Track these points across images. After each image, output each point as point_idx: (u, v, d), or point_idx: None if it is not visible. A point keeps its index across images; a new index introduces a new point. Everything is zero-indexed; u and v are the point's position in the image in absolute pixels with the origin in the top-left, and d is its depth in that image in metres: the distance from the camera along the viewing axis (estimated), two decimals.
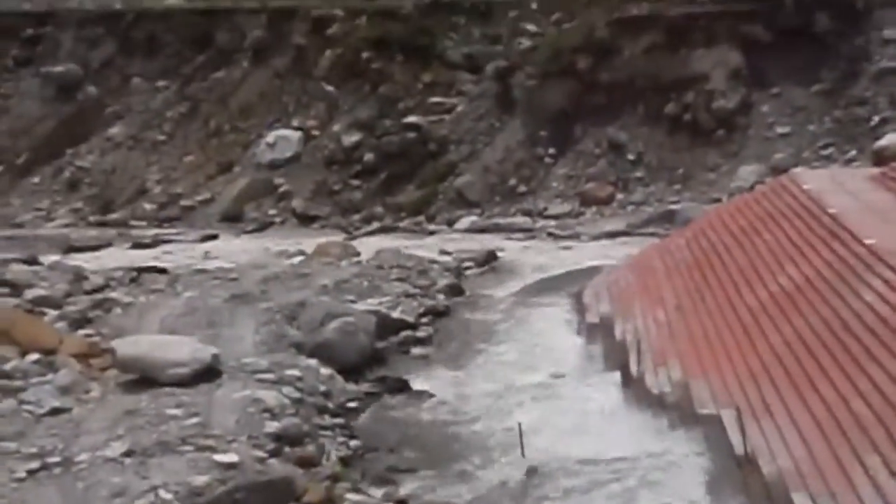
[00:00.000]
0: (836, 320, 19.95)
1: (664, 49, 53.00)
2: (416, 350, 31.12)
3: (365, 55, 59.09)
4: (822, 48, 51.50)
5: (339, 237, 49.00)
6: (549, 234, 47.80)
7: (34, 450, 20.04)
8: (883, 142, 45.49)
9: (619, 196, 49.97)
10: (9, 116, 67.56)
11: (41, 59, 69.74)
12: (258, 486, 18.81)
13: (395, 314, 32.74)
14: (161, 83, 65.35)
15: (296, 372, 25.57)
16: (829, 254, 22.87)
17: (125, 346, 25.28)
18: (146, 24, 68.59)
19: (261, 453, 20.31)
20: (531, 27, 58.92)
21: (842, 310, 20.14)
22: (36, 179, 63.08)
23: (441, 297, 36.17)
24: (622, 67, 53.04)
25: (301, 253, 44.41)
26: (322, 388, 25.40)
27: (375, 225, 51.91)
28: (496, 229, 49.08)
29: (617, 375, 24.49)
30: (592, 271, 36.24)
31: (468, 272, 41.17)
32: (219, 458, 19.53)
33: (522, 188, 51.50)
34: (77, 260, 45.00)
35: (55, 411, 22.32)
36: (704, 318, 24.52)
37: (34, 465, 19.38)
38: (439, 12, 61.18)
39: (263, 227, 54.13)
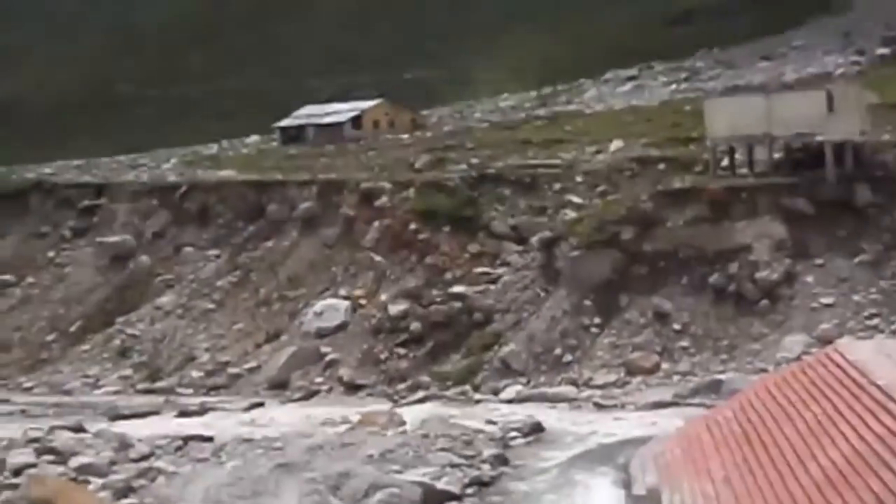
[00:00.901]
0: (889, 496, 19.54)
1: (707, 220, 53.42)
2: None
3: (412, 226, 60.02)
4: (864, 220, 51.76)
5: (385, 406, 48.96)
6: (595, 404, 47.46)
7: None
8: None
9: (665, 366, 49.64)
10: (63, 285, 68.90)
11: (97, 229, 71.54)
12: None
13: (440, 485, 32.45)
14: (212, 252, 66.58)
15: None
16: (878, 426, 22.53)
17: None
18: (199, 195, 70.37)
19: None
20: (576, 199, 59.79)
21: (893, 484, 19.74)
22: (86, 347, 63.75)
23: (486, 467, 35.88)
24: (666, 238, 53.37)
25: (346, 421, 44.34)
26: None
27: (421, 394, 51.81)
28: (542, 399, 48.80)
29: None
30: (638, 442, 35.87)
31: (514, 442, 40.90)
32: None
33: (568, 357, 51.34)
34: (123, 427, 45.16)
35: None
36: (754, 492, 24.07)
37: None
38: (485, 184, 62.35)
39: (310, 395, 54.11)
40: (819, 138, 54.07)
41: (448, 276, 57.23)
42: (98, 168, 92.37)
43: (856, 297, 49.70)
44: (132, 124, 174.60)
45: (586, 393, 48.75)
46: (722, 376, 46.81)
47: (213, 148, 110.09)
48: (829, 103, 54.69)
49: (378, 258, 59.95)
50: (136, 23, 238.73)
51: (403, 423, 42.27)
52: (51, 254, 71.47)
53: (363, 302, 58.30)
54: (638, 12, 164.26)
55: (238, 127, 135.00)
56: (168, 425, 47.34)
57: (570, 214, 57.96)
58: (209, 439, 41.08)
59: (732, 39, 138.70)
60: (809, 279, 50.78)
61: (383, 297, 57.70)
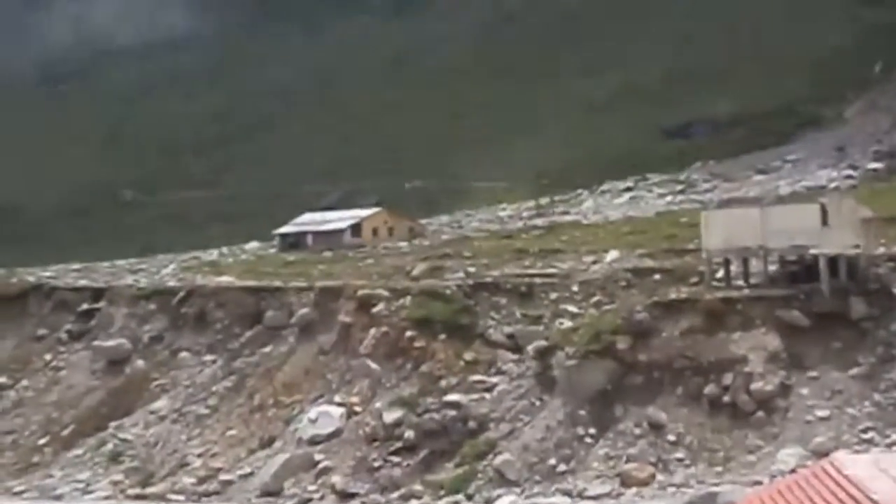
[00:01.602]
0: None
1: (702, 332, 53.46)
2: None
3: (408, 333, 59.98)
4: (859, 333, 51.86)
5: None
6: None
7: None
8: None
9: (660, 477, 49.18)
10: (58, 388, 68.56)
11: (94, 333, 71.47)
12: None
13: None
14: (208, 357, 66.42)
15: None
16: None
17: None
18: (197, 300, 70.50)
19: None
20: (572, 308, 59.91)
21: None
22: (79, 451, 63.15)
23: None
24: (661, 349, 53.35)
25: None
26: None
27: (414, 503, 51.17)
28: None
29: None
30: None
31: None
32: None
33: (562, 467, 50.87)
34: None
35: None
36: None
37: None
38: (482, 292, 62.51)
39: (302, 503, 53.46)
40: (814, 251, 54.42)
41: (443, 383, 57.06)
42: (97, 272, 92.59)
43: (851, 410, 49.51)
44: (133, 229, 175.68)
45: None
46: (717, 489, 46.38)
47: (213, 253, 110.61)
48: (824, 217, 55.17)
49: (374, 365, 59.80)
50: (137, 129, 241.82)
51: None
52: (47, 357, 71.23)
53: (358, 409, 57.98)
54: (634, 125, 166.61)
55: (238, 233, 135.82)
56: None
57: (566, 324, 58.06)
58: None
59: (727, 152, 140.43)
60: (804, 391, 50.65)
61: (378, 404, 57.41)
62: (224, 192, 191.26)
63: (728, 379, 51.34)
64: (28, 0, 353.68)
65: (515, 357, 57.71)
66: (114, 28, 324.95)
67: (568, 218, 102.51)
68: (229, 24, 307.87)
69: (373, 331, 61.44)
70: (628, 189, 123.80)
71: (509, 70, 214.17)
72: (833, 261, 54.04)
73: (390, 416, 55.92)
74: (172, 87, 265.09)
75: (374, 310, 62.50)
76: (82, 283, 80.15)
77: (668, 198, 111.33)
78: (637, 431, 51.35)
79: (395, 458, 54.40)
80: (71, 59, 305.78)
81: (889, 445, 46.79)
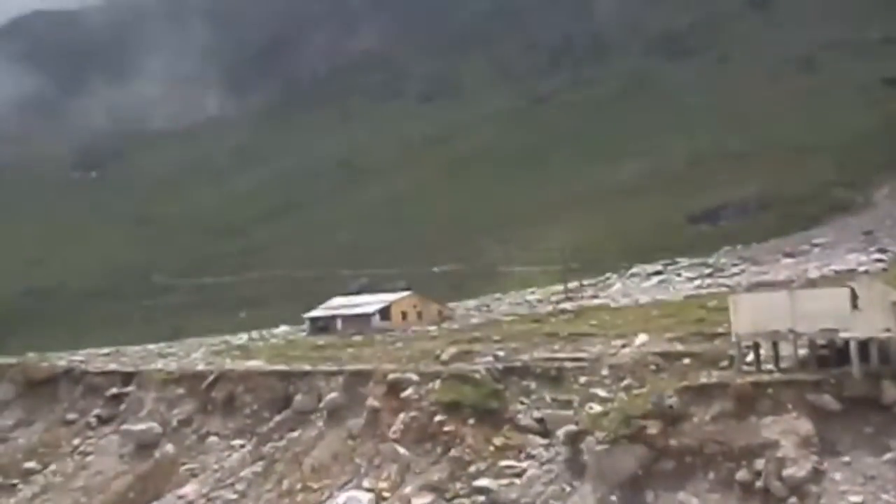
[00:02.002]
0: None
1: (733, 416, 52.83)
2: None
3: (437, 418, 59.66)
4: (891, 418, 51.12)
5: None
6: None
7: None
8: None
9: None
10: (86, 472, 68.48)
11: (123, 417, 71.57)
12: None
13: None
14: (237, 442, 66.23)
15: None
16: None
17: None
18: (226, 384, 70.51)
19: None
20: (601, 392, 59.51)
21: None
22: None
23: None
24: (692, 434, 52.73)
25: None
26: None
27: None
28: None
29: None
30: None
31: None
32: None
33: None
34: None
35: None
36: None
37: None
38: (511, 377, 62.23)
39: None
40: (844, 335, 53.96)
41: (473, 468, 56.55)
42: (127, 356, 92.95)
43: (885, 496, 48.64)
44: (163, 313, 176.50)
45: None
46: None
47: (243, 337, 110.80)
48: (854, 300, 54.75)
49: (402, 450, 59.39)
50: (169, 213, 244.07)
51: None
52: (76, 441, 71.29)
53: (387, 494, 57.49)
54: (662, 209, 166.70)
55: (268, 317, 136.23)
56: None
57: (596, 408, 57.57)
58: None
59: (755, 236, 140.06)
60: (837, 476, 49.85)
61: (407, 489, 56.94)
62: (254, 276, 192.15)
63: (760, 464, 50.61)
64: (64, 85, 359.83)
65: (545, 442, 57.20)
66: (148, 113, 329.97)
67: (597, 301, 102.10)
68: (262, 108, 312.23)
69: (402, 415, 61.15)
70: (657, 273, 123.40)
71: (538, 155, 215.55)
72: (864, 345, 53.54)
73: (419, 502, 55.44)
74: (204, 170, 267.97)
75: (404, 394, 62.29)
76: (112, 367, 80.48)
77: (697, 281, 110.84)
78: None
79: None
80: (105, 143, 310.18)
81: None
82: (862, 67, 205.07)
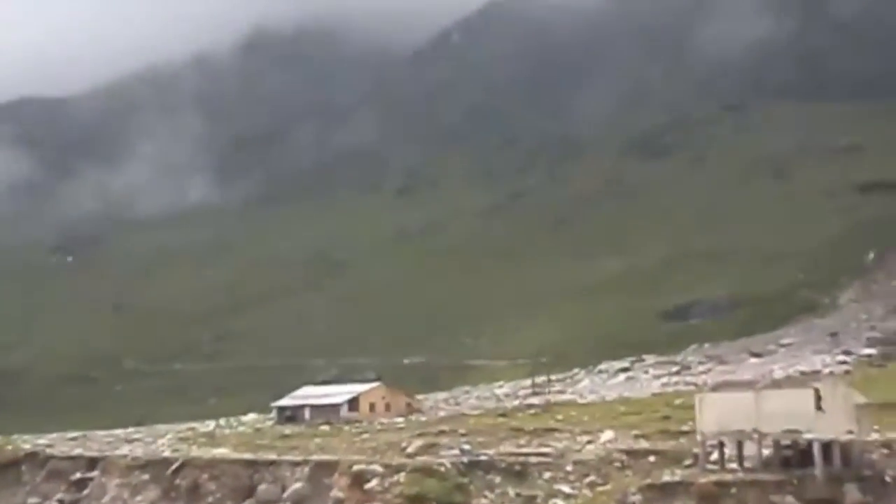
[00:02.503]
0: None
1: None
2: None
3: None
4: None
5: None
6: None
7: None
8: None
9: None
10: None
11: (86, 502, 70.17)
12: None
13: None
14: None
15: None
16: None
17: None
18: (191, 471, 69.30)
19: None
20: (566, 488, 58.86)
21: None
22: None
23: None
24: None
25: None
26: None
27: None
28: None
29: None
30: None
31: None
32: None
33: None
34: None
35: None
36: None
37: None
38: (476, 470, 61.49)
39: None
40: (807, 436, 53.80)
41: None
42: (94, 441, 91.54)
43: None
44: (133, 398, 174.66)
45: None
46: None
47: (210, 425, 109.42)
48: (818, 402, 54.72)
49: None
50: (145, 299, 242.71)
51: None
52: None
53: None
54: (631, 307, 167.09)
55: (237, 404, 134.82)
56: None
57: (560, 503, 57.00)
58: None
59: (724, 335, 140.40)
60: None
61: None
62: (225, 364, 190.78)
63: None
64: (50, 170, 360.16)
65: None
66: (130, 199, 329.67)
67: (564, 397, 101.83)
68: (243, 198, 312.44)
69: None
70: (624, 370, 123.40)
71: (510, 251, 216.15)
72: (827, 446, 53.40)
73: None
74: (183, 257, 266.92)
75: (368, 485, 61.39)
76: (77, 451, 79.11)
77: (664, 379, 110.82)
78: None
79: None
80: (85, 228, 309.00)
81: None
82: (830, 173, 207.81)
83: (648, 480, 55.17)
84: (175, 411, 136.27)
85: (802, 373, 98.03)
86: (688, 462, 58.94)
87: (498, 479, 60.80)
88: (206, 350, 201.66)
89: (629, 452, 62.15)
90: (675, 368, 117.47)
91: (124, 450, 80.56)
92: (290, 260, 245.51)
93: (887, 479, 51.73)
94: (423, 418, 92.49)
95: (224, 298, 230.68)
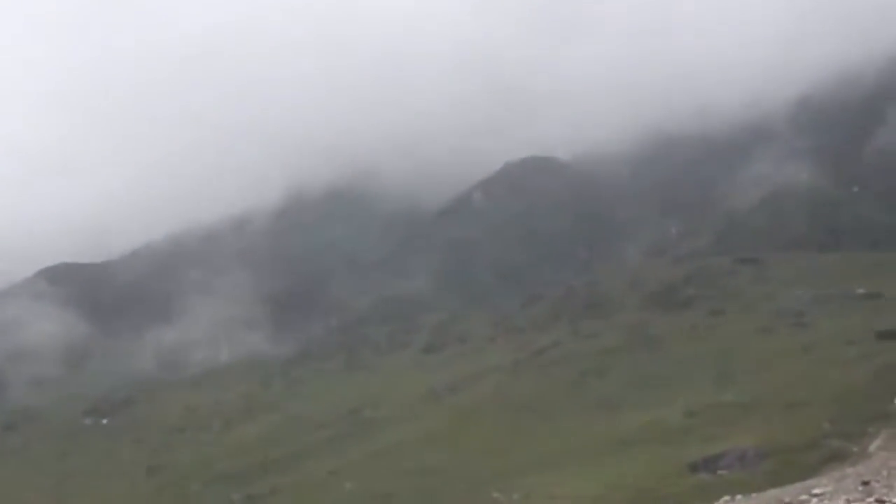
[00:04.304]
0: None
1: None
2: None
3: None
4: None
5: None
6: None
7: None
8: None
9: None
10: None
11: None
12: None
13: None
14: None
15: None
16: None
17: None
18: None
19: None
20: None
21: None
22: None
23: None
24: None
25: None
26: None
27: None
28: None
29: None
30: None
31: None
32: None
33: None
34: None
35: None
36: None
37: None
38: None
39: None
40: None
41: None
42: None
43: None
44: None
45: None
46: None
47: None
48: None
49: None
50: (179, 462, 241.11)
51: None
52: None
53: None
54: (662, 459, 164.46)
55: None
56: None
57: None
58: None
59: (754, 486, 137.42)
60: None
61: None
62: None
63: None
64: (96, 328, 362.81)
65: None
66: (168, 359, 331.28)
67: None
68: (273, 357, 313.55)
69: None
70: None
71: (537, 406, 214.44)
72: None
73: None
74: (214, 417, 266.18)
75: None
76: None
77: None
78: None
79: None
80: (119, 390, 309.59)
81: None
82: (850, 322, 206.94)
83: None
84: None
85: None
86: None
87: None
88: None
89: None
90: None
91: None
92: (321, 419, 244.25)
93: None
94: None
95: (254, 458, 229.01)
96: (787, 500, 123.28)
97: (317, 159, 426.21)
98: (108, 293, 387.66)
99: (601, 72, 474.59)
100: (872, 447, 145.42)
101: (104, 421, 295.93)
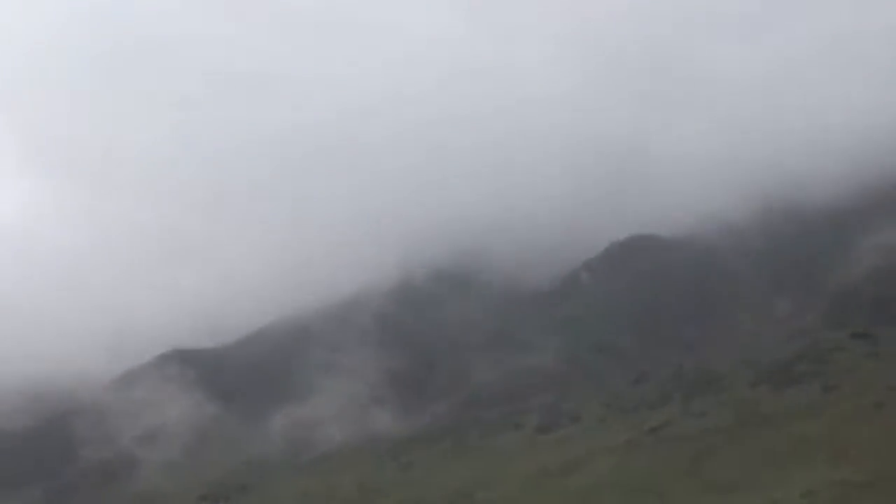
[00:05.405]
0: None
1: None
2: None
3: None
4: None
5: None
6: None
7: None
8: None
9: None
10: None
11: None
12: None
13: None
14: None
15: None
16: None
17: None
18: None
19: None
20: None
21: None
22: None
23: None
24: None
25: None
26: None
27: None
28: None
29: None
30: None
31: None
32: None
33: None
34: None
35: None
36: None
37: None
38: None
39: None
40: None
41: None
42: None
43: None
44: None
45: None
46: None
47: None
48: None
49: None
50: None
51: None
52: None
53: None
54: None
55: None
56: None
57: None
58: None
59: None
60: None
61: None
62: None
63: None
64: (233, 408, 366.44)
65: None
66: (283, 442, 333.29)
67: None
68: (383, 441, 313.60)
69: None
70: None
71: (651, 486, 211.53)
72: None
73: None
74: (329, 501, 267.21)
75: None
76: None
77: None
78: None
79: None
80: (238, 473, 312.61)
81: None
82: None
83: None
84: None
85: None
86: None
87: None
88: None
89: None
90: None
91: None
92: (434, 502, 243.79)
93: None
94: None
95: None
96: None
97: (427, 240, 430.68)
98: (231, 375, 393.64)
99: (705, 146, 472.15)
100: None
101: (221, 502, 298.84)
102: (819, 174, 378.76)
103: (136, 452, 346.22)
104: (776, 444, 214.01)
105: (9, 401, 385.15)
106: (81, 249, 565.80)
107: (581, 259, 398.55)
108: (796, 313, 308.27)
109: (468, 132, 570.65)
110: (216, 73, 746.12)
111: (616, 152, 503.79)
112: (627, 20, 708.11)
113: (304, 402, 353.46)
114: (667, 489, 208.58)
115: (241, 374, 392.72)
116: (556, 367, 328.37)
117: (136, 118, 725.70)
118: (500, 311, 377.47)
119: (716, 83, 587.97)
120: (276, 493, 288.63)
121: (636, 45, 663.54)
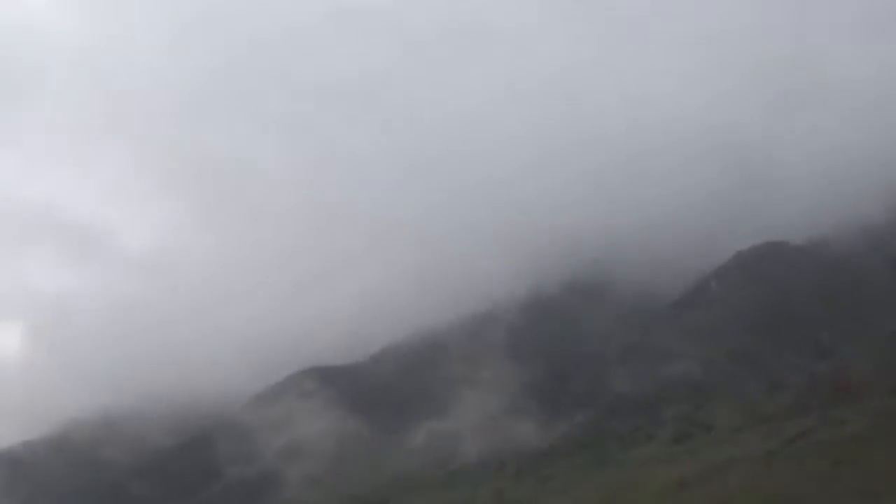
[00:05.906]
0: None
1: None
2: None
3: None
4: None
5: None
6: None
7: None
8: None
9: None
10: None
11: None
12: None
13: None
14: None
15: None
16: None
17: None
18: None
19: None
20: None
21: None
22: None
23: None
24: None
25: None
26: None
27: None
28: None
29: None
30: None
31: None
32: None
33: None
34: None
35: None
36: None
37: None
38: None
39: None
40: None
41: None
42: None
43: None
44: None
45: None
46: None
47: None
48: None
49: None
50: None
51: None
52: None
53: None
54: None
55: None
56: None
57: None
58: None
59: None
60: None
61: None
62: None
63: None
64: (374, 424, 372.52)
65: None
66: (416, 457, 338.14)
67: None
68: (518, 454, 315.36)
69: None
70: None
71: (791, 496, 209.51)
72: None
73: None
74: None
75: None
76: None
77: None
78: None
79: None
80: (382, 488, 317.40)
81: None
82: None
83: None
84: None
85: None
86: None
87: None
88: None
89: None
90: None
91: None
92: None
93: None
94: None
95: None
96: None
97: (559, 252, 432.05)
98: (369, 390, 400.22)
99: (833, 148, 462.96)
100: None
101: None
102: None
103: (279, 469, 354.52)
104: None
105: (155, 422, 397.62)
106: (219, 270, 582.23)
107: (709, 267, 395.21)
108: None
109: (598, 146, 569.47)
110: (341, 88, 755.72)
111: (743, 159, 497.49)
112: (751, 26, 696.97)
113: (443, 416, 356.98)
114: (808, 499, 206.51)
115: (378, 390, 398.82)
116: (688, 377, 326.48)
117: (270, 139, 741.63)
118: (633, 321, 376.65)
119: (842, 83, 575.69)
120: None
121: (759, 49, 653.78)
